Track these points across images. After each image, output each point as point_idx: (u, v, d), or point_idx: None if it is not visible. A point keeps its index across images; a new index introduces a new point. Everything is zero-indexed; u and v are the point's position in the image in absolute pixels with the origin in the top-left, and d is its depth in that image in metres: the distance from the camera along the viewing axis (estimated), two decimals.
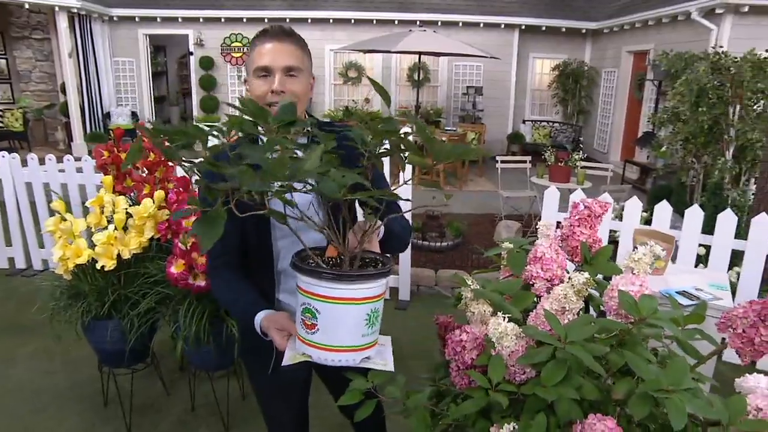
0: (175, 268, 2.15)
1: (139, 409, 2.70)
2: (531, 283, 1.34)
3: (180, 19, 10.27)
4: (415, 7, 10.38)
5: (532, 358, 1.05)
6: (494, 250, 1.50)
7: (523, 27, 10.63)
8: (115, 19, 10.25)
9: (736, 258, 3.38)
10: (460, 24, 10.45)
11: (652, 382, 0.94)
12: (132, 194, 2.69)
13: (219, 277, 1.39)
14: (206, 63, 10.53)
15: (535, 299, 1.32)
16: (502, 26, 10.57)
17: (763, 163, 3.86)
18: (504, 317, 1.13)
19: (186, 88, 12.45)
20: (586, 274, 1.20)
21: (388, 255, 1.27)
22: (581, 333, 1.07)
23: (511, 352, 1.10)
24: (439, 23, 10.27)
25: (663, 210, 3.36)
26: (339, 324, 1.07)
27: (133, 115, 10.71)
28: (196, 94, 10.84)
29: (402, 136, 1.07)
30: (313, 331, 1.07)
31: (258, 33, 1.38)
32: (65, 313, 2.39)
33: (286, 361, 1.14)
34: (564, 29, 10.69)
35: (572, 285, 1.19)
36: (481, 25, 10.49)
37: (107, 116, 10.38)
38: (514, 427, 1.02)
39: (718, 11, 6.72)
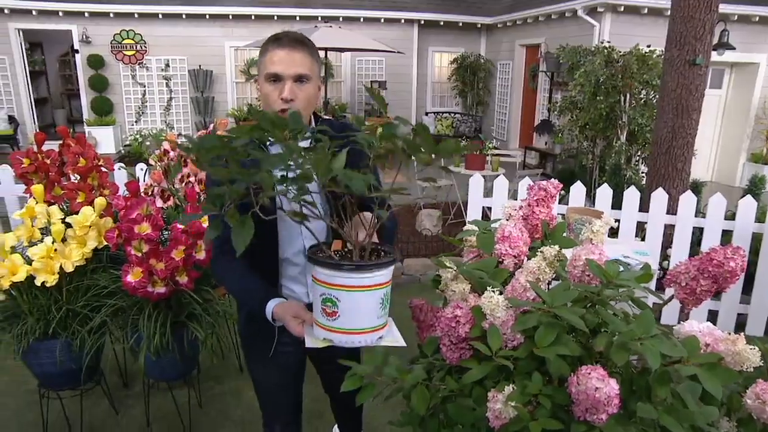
0: (132, 277, 2.06)
1: None
2: (500, 260, 1.48)
3: (61, 13, 9.42)
4: (316, 3, 10.35)
5: (525, 324, 1.19)
6: (461, 234, 1.63)
7: (422, 22, 10.98)
8: None
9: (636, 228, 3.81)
10: (362, 20, 10.58)
11: (628, 333, 1.11)
12: (63, 203, 2.50)
13: (226, 264, 1.43)
14: (96, 62, 9.74)
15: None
16: (402, 21, 10.85)
17: (653, 145, 4.37)
18: (495, 291, 1.26)
19: (71, 89, 11.47)
20: (556, 247, 1.36)
21: (388, 244, 1.37)
22: (564, 297, 1.22)
23: (502, 322, 1.23)
24: (341, 19, 10.32)
25: (578, 191, 3.70)
26: (358, 309, 1.17)
27: (11, 119, 9.71)
28: (86, 95, 10.01)
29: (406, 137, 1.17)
30: (334, 318, 1.16)
31: (270, 38, 1.41)
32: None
33: (308, 344, 1.23)
34: (461, 24, 11.20)
35: (544, 257, 1.34)
36: (382, 20, 10.69)
37: None
38: (513, 388, 1.14)
39: (599, 9, 7.44)
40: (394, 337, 1.27)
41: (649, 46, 5.10)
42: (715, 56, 7.28)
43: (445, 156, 1.19)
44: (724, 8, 6.18)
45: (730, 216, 3.64)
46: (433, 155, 1.17)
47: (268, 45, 1.40)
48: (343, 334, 1.18)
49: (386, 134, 1.18)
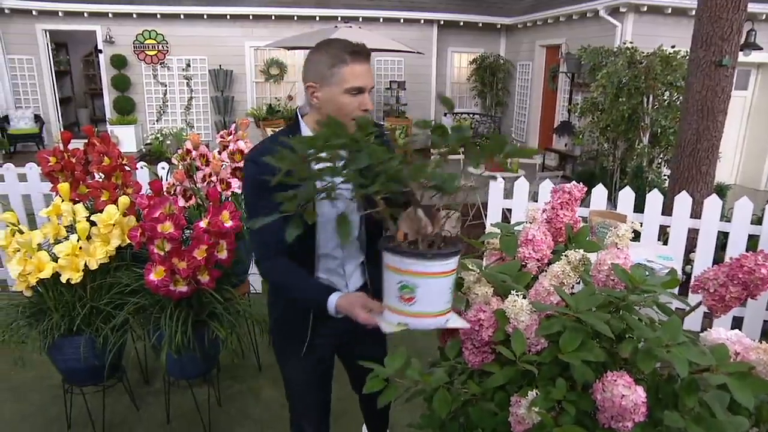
0: (155, 275, 2.08)
1: (109, 428, 2.57)
2: (523, 263, 1.46)
3: (86, 14, 9.58)
4: (336, 3, 10.37)
5: (549, 329, 1.17)
6: (484, 236, 1.62)
7: (442, 22, 10.95)
8: (6, 11, 9.36)
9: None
10: (381, 20, 10.58)
11: (655, 340, 1.08)
12: (88, 202, 2.54)
13: (279, 264, 1.51)
14: (119, 62, 9.90)
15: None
16: (422, 21, 10.83)
17: (677, 148, 4.30)
18: (519, 295, 1.25)
19: (94, 89, 11.67)
20: (582, 252, 1.34)
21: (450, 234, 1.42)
22: (589, 302, 1.19)
23: (526, 326, 1.21)
24: (360, 19, 10.33)
25: (600, 194, 3.65)
26: (433, 294, 1.23)
27: (37, 118, 9.90)
28: (109, 95, 10.18)
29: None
30: (411, 303, 1.23)
31: (344, 49, 1.45)
32: (24, 334, 2.24)
33: (385, 330, 1.29)
34: (480, 24, 11.14)
35: (569, 261, 1.32)
36: (402, 20, 10.68)
37: (5, 120, 9.53)
38: (536, 394, 1.13)
39: (622, 10, 7.31)
40: (460, 320, 1.32)
41: (673, 47, 5.02)
42: (741, 57, 7.14)
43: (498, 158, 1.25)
44: (752, 7, 6.05)
45: (757, 221, 3.56)
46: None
47: (346, 57, 1.44)
48: (418, 318, 1.23)
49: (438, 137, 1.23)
